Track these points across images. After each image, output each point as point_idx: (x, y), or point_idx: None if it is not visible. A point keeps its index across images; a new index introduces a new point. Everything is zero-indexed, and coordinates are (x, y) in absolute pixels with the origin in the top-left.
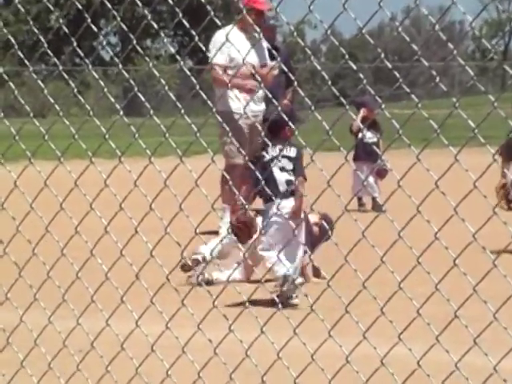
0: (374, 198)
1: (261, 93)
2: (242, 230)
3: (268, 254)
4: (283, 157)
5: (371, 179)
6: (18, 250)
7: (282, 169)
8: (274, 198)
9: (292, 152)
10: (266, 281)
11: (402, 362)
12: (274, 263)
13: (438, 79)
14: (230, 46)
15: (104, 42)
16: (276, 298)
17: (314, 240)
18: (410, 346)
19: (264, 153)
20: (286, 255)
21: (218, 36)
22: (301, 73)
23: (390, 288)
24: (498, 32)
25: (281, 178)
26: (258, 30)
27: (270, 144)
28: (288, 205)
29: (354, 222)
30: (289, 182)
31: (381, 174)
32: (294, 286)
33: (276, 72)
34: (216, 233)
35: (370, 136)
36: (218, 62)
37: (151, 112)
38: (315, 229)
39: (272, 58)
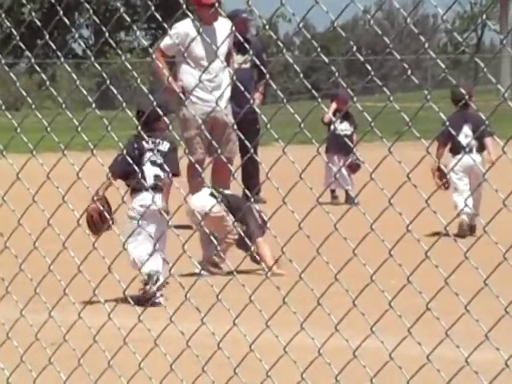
0: (346, 191)
1: (215, 83)
2: (94, 221)
3: (130, 249)
4: (157, 150)
5: (344, 171)
6: None
7: (153, 162)
8: (142, 190)
9: (164, 146)
10: (238, 272)
11: (374, 355)
12: (139, 260)
13: (409, 72)
14: (185, 37)
15: (76, 35)
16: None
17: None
18: (382, 339)
19: (139, 144)
20: (152, 253)
21: (176, 27)
22: (274, 66)
23: (362, 280)
24: (470, 25)
25: (149, 171)
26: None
27: (145, 136)
28: (147, 198)
29: (326, 214)
30: (156, 177)
31: (353, 168)
32: (159, 285)
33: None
34: (189, 227)
35: (342, 128)
36: (164, 44)
37: (124, 105)
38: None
39: (244, 51)
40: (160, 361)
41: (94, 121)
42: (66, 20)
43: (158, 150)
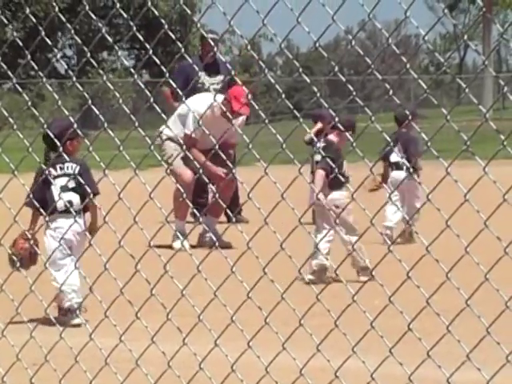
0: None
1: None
2: (25, 257)
3: (53, 273)
4: (64, 175)
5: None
6: None
7: (64, 188)
8: (57, 217)
9: (74, 169)
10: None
11: (355, 375)
12: (69, 289)
13: (391, 92)
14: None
15: (59, 55)
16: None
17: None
18: (364, 359)
19: (51, 169)
20: (71, 271)
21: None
22: (257, 86)
23: (344, 301)
24: (451, 45)
25: (62, 197)
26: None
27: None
28: (65, 224)
29: (308, 234)
30: (69, 202)
31: None
32: (76, 306)
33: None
34: (170, 247)
35: None
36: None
37: (105, 125)
38: None
39: (215, 72)
40: (141, 381)
41: None
42: (48, 40)
43: (68, 174)
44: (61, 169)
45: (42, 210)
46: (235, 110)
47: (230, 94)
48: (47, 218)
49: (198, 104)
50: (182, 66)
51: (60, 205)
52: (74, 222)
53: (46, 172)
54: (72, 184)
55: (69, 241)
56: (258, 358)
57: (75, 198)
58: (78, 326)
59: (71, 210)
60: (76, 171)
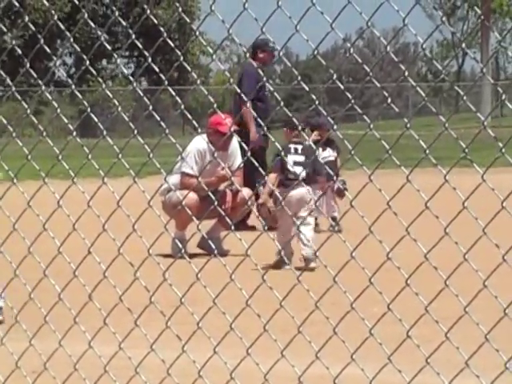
0: (334, 218)
1: None
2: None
3: None
4: None
5: (330, 199)
6: None
7: None
8: None
9: None
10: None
11: (354, 382)
12: None
13: (389, 100)
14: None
15: (58, 63)
16: None
17: None
18: (363, 366)
19: None
20: None
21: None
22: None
23: (342, 308)
24: (449, 52)
25: None
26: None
27: None
28: None
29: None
30: None
31: (339, 193)
32: None
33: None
34: (169, 255)
35: (326, 155)
36: (188, 171)
37: (104, 133)
38: None
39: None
40: None
41: (75, 149)
42: (47, 48)
43: None
44: None
45: None
46: (224, 131)
47: (211, 124)
48: None
49: (197, 143)
50: (251, 71)
51: None
52: None
53: None
54: None
55: None
56: (257, 365)
57: None
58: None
59: None
60: None
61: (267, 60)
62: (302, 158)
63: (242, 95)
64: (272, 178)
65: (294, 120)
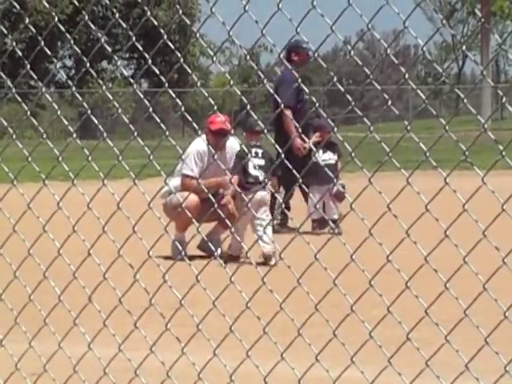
0: (334, 220)
1: None
2: None
3: None
4: None
5: (330, 201)
6: None
7: None
8: None
9: None
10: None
11: None
12: None
13: (389, 102)
14: (203, 159)
15: (58, 65)
16: None
17: None
18: (363, 369)
19: None
20: None
21: (192, 149)
22: (255, 96)
23: (342, 311)
24: (448, 55)
25: None
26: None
27: None
28: None
29: (307, 244)
30: None
31: (338, 196)
32: None
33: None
34: (169, 257)
35: (325, 158)
36: (188, 173)
37: (104, 134)
38: None
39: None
40: None
41: (75, 151)
42: (48, 50)
43: None
44: None
45: None
46: (214, 129)
47: (205, 123)
48: None
49: (197, 144)
50: (289, 79)
51: None
52: None
53: None
54: None
55: None
56: (256, 367)
57: None
58: None
59: None
60: None
61: (303, 61)
62: (262, 162)
63: (282, 105)
64: (236, 180)
65: (252, 123)
